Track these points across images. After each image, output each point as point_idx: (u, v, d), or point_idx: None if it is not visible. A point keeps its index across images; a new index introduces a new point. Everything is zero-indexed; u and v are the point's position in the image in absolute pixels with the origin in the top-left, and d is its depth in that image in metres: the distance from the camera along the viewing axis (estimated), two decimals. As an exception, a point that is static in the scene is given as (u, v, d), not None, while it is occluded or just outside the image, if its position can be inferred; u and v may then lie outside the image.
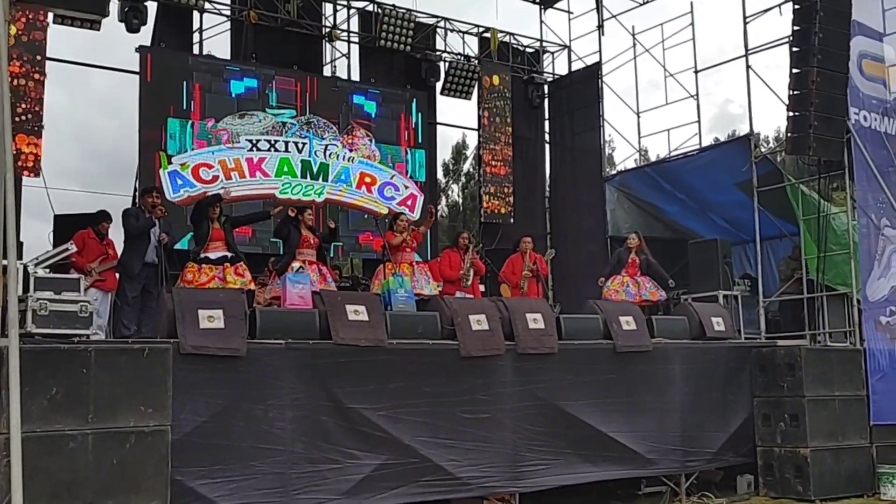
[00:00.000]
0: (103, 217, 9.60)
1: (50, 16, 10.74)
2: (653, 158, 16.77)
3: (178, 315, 6.99)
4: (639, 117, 15.79)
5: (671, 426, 9.40)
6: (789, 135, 11.23)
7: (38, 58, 10.82)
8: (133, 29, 12.17)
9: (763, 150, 13.97)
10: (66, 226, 9.88)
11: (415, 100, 14.73)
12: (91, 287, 8.76)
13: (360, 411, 7.54)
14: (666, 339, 9.77)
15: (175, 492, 6.35)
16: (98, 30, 11.32)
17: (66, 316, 6.41)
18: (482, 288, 11.52)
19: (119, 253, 9.54)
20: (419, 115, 14.75)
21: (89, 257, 9.22)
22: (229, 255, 8.95)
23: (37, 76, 10.78)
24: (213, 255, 8.89)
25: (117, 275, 9.40)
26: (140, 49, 12.35)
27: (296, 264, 9.17)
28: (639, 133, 15.85)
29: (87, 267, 9.03)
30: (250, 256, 9.84)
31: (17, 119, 10.23)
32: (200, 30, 13.29)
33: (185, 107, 12.60)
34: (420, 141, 14.72)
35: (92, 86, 26.81)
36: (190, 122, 12.64)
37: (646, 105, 15.81)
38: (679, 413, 9.48)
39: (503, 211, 15.43)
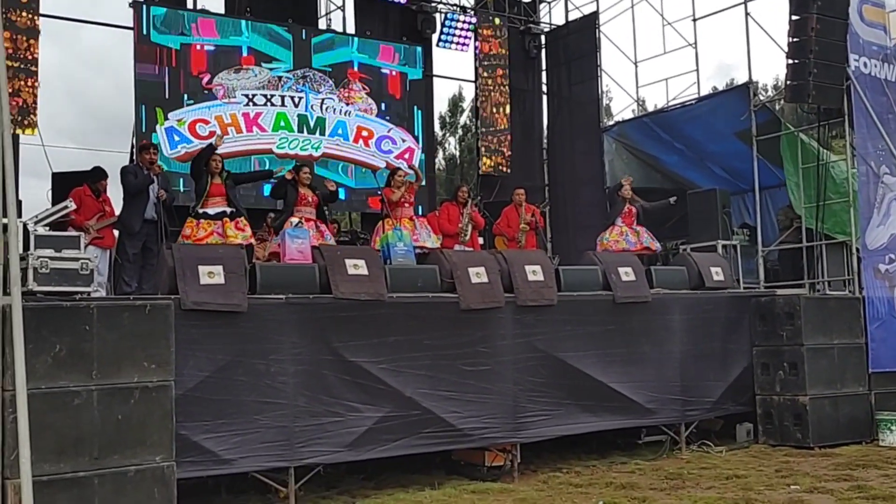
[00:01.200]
0: (100, 174, 9.59)
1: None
2: (651, 108, 16.68)
3: (179, 271, 7.02)
4: (636, 67, 15.72)
5: (671, 376, 9.48)
6: (788, 82, 11.19)
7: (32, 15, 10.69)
8: (126, -17, 12.06)
9: (762, 98, 13.90)
10: (64, 184, 9.87)
11: (413, 51, 14.60)
12: (89, 245, 8.78)
13: (361, 365, 7.61)
14: (665, 289, 9.81)
15: (180, 446, 6.42)
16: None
17: (67, 273, 6.43)
18: (481, 241, 11.54)
19: (116, 210, 9.54)
20: (416, 67, 14.64)
21: (86, 215, 9.23)
22: (228, 210, 8.92)
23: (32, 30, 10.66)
24: (211, 211, 8.85)
25: (116, 232, 9.41)
26: (133, 4, 12.23)
27: (294, 219, 9.16)
28: (636, 83, 15.79)
29: (84, 224, 9.04)
30: (250, 212, 9.83)
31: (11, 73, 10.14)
32: (192, -18, 13.15)
33: (180, 62, 12.51)
34: (416, 93, 14.63)
35: (84, 42, 26.65)
36: (185, 77, 12.55)
37: (643, 55, 15.74)
38: (678, 363, 9.56)
39: (501, 163, 15.40)
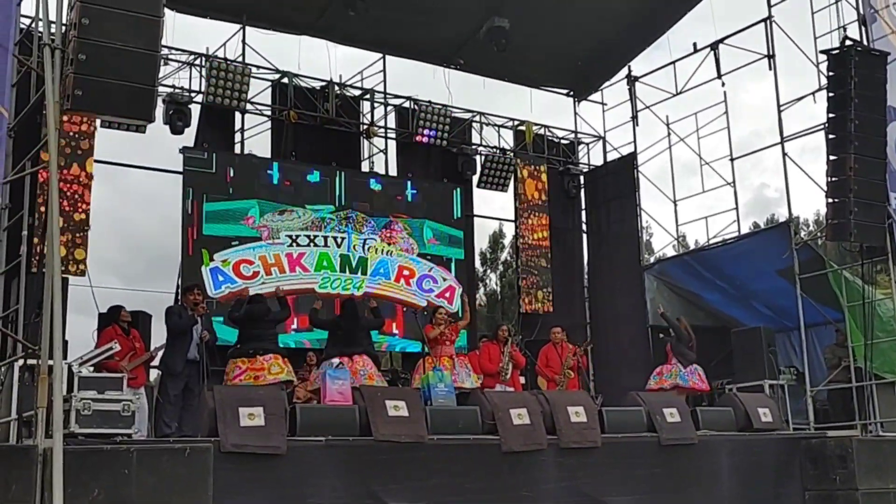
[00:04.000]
0: (118, 310, 9.67)
1: (97, 120, 11.04)
2: (691, 245, 16.71)
3: (219, 413, 7.01)
4: (675, 205, 15.81)
5: (720, 521, 9.17)
6: (830, 221, 11.16)
7: (85, 162, 11.11)
8: (177, 131, 12.53)
9: (803, 234, 13.90)
10: (108, 325, 9.99)
11: (454, 192, 14.86)
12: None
13: (401, 509, 7.45)
14: (712, 430, 9.60)
15: None
16: (143, 132, 11.65)
17: (109, 415, 6.44)
18: (522, 380, 11.43)
19: (145, 346, 9.66)
20: (457, 206, 14.86)
21: (119, 355, 9.21)
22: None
23: (84, 179, 11.05)
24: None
25: (158, 371, 9.46)
26: (184, 150, 12.65)
27: (335, 360, 9.20)
28: (676, 221, 15.85)
29: (120, 366, 9.02)
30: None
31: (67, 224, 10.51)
32: (242, 130, 13.58)
33: (226, 206, 12.82)
34: (457, 232, 14.81)
35: (133, 184, 27.46)
36: (231, 219, 12.84)
37: (682, 193, 15.87)
38: (728, 508, 9.26)
39: (542, 301, 15.39)
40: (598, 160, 16.92)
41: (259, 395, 7.46)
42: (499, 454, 8.02)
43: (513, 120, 16.02)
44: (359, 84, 14.70)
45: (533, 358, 11.85)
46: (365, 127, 14.58)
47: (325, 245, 13.51)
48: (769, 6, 13.17)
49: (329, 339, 10.09)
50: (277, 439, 7.02)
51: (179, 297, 10.75)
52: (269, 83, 13.78)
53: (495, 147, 15.79)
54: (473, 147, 15.51)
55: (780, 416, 10.57)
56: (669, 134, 15.77)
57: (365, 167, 14.71)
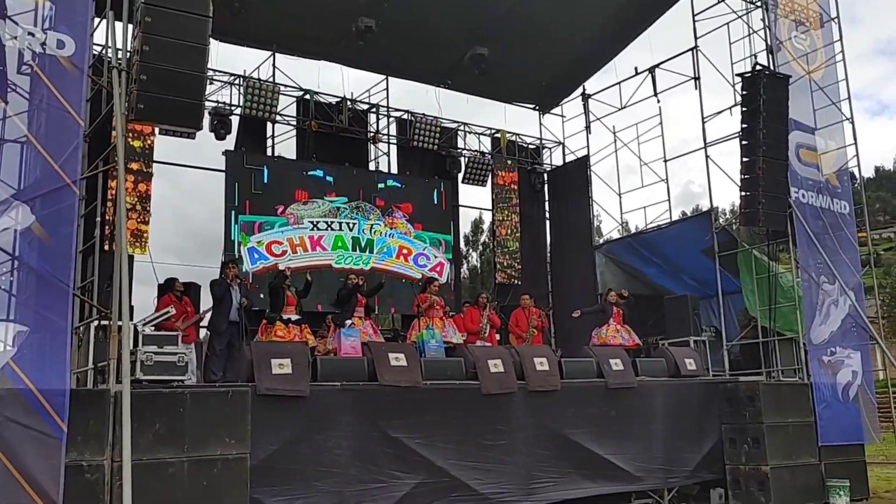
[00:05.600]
0: (172, 282, 9.65)
1: (156, 129, 10.97)
2: (633, 229, 16.70)
3: (256, 363, 7.02)
4: (620, 197, 15.78)
5: (655, 449, 9.25)
6: (742, 210, 11.18)
7: (148, 161, 11.05)
8: (220, 137, 12.43)
9: (721, 222, 13.91)
10: (165, 293, 9.96)
11: (442, 185, 14.83)
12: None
13: (401, 440, 7.50)
14: (648, 377, 9.66)
15: (253, 507, 6.30)
16: (193, 138, 11.53)
17: (168, 365, 6.45)
18: (498, 337, 11.45)
19: (195, 310, 9.62)
20: (446, 198, 14.82)
21: (175, 317, 9.16)
22: (300, 317, 9.14)
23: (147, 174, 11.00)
24: (293, 318, 9.05)
25: (206, 331, 9.44)
26: (226, 153, 12.58)
27: (348, 321, 9.20)
28: (621, 210, 15.82)
29: (175, 326, 9.01)
30: (310, 315, 9.88)
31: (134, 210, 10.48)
32: (273, 137, 13.50)
33: (261, 196, 12.76)
34: (446, 219, 14.78)
35: (187, 181, 27.36)
36: (266, 207, 12.76)
37: (626, 187, 15.82)
38: (661, 438, 9.33)
39: (513, 275, 15.41)
40: (558, 161, 16.87)
41: (288, 348, 7.47)
42: (479, 396, 8.06)
43: (490, 129, 15.93)
44: (367, 100, 14.60)
45: (506, 319, 11.87)
46: (371, 134, 14.50)
47: (340, 229, 13.46)
48: (695, 37, 13.10)
49: (343, 307, 10.10)
50: (302, 384, 7.04)
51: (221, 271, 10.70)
52: (295, 99, 13.68)
53: (476, 150, 15.73)
54: (459, 150, 15.45)
55: (702, 365, 10.65)
56: (616, 140, 15.73)
57: (372, 167, 14.66)
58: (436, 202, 14.72)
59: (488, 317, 10.84)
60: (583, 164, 16.02)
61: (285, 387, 6.94)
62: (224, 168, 12.56)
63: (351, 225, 13.59)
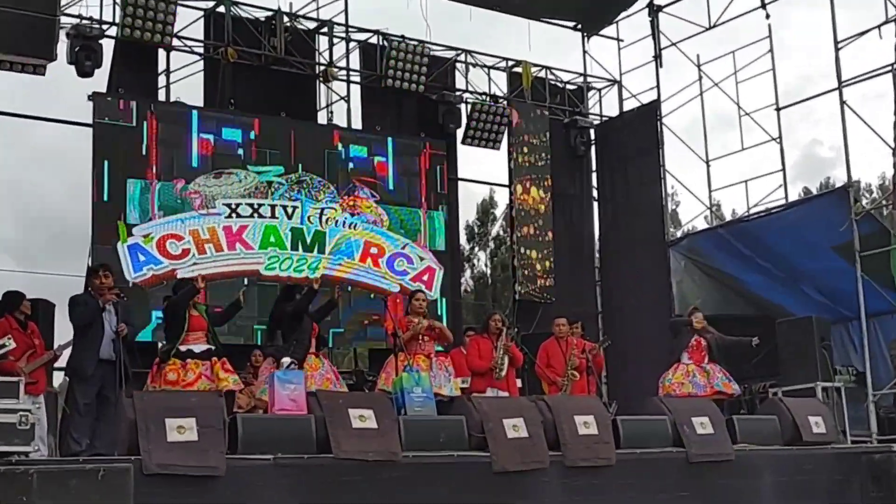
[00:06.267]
0: (17, 298, 9.47)
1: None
2: (727, 216, 16.75)
3: (142, 425, 6.97)
4: (708, 166, 15.85)
5: (762, 556, 9.27)
6: (898, 185, 11.23)
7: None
8: (85, 72, 12.38)
9: (865, 202, 13.97)
10: (1, 316, 9.90)
11: (431, 151, 14.85)
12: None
13: (368, 544, 7.49)
14: (752, 444, 9.67)
15: None
16: (42, 74, 11.50)
17: (4, 429, 6.41)
18: (519, 384, 11.44)
19: (46, 343, 9.58)
20: (436, 169, 14.85)
21: (16, 353, 8.96)
22: (213, 347, 9.01)
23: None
24: (196, 348, 8.94)
25: (65, 376, 9.40)
26: (93, 96, 12.57)
27: (286, 360, 9.17)
28: (709, 185, 15.89)
29: (16, 367, 8.87)
30: (230, 349, 9.85)
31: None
32: (167, 72, 13.52)
33: (148, 165, 12.75)
34: (438, 201, 14.81)
35: (32, 140, 27.17)
36: (154, 183, 12.78)
37: (717, 151, 15.91)
38: (772, 538, 9.35)
39: (543, 285, 15.43)
40: (612, 110, 16.95)
41: (191, 401, 7.42)
42: (490, 475, 8.03)
43: (506, 60, 15.99)
44: (314, 15, 14.63)
45: (532, 355, 11.86)
46: (322, 68, 14.52)
47: (273, 216, 13.50)
48: (825, -82, 13.19)
49: (271, 334, 10.05)
50: (214, 458, 7.00)
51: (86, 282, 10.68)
52: (201, 13, 13.70)
53: (485, 94, 15.76)
54: (457, 93, 15.48)
55: (835, 426, 10.65)
56: (701, 78, 15.79)
57: (322, 118, 14.67)
58: (422, 174, 14.72)
59: (504, 350, 10.82)
60: (650, 114, 16.08)
61: (188, 462, 6.90)
62: (90, 120, 12.56)
63: (290, 210, 13.61)
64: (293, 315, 9.73)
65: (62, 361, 9.57)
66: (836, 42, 12.94)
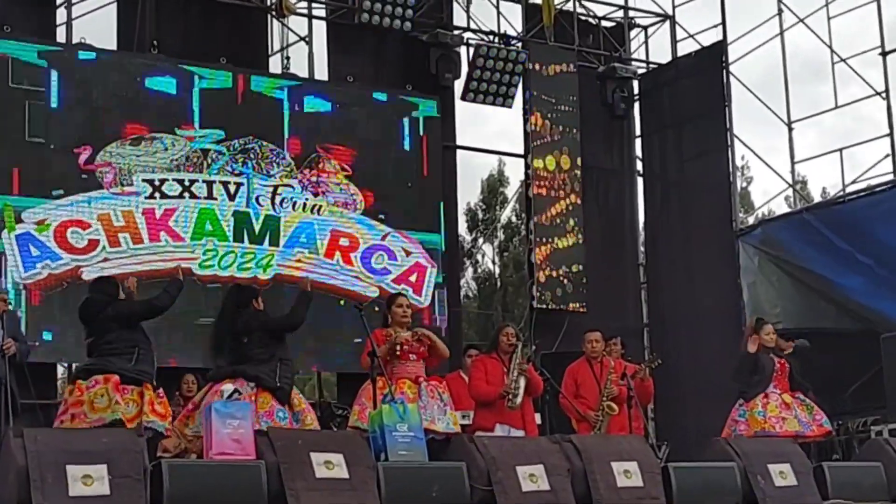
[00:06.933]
0: None
1: None
2: (816, 196, 16.78)
3: (35, 473, 7.01)
4: (790, 130, 15.90)
5: None
6: None
7: None
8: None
9: None
10: None
11: (420, 109, 14.91)
12: None
13: None
14: (848, 500, 9.71)
15: None
16: None
17: None
18: (538, 418, 11.50)
19: None
20: (428, 133, 14.89)
21: None
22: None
23: None
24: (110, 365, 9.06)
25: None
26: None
27: (228, 387, 9.20)
28: (791, 156, 15.94)
29: None
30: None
31: None
32: (68, 4, 13.54)
33: (43, 127, 12.79)
34: (430, 175, 14.86)
35: None
36: (52, 151, 12.82)
37: (802, 110, 15.94)
38: None
39: (570, 289, 15.47)
40: (662, 55, 16.98)
41: (102, 443, 7.46)
42: (499, 540, 8.10)
43: (521, -12, 16.10)
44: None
45: (556, 381, 11.90)
46: (275, 0, 14.55)
47: (210, 196, 13.54)
48: None
49: (214, 351, 10.10)
50: (131, 517, 7.05)
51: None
52: (115, -75, 13.77)
53: (492, 33, 15.82)
54: (456, 33, 15.52)
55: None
56: (781, 12, 15.82)
57: (275, 65, 14.73)
58: (409, 141, 14.77)
59: (519, 372, 10.86)
60: (713, 61, 16.12)
61: (96, 522, 6.95)
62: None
63: (232, 188, 13.65)
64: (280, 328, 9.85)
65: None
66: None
